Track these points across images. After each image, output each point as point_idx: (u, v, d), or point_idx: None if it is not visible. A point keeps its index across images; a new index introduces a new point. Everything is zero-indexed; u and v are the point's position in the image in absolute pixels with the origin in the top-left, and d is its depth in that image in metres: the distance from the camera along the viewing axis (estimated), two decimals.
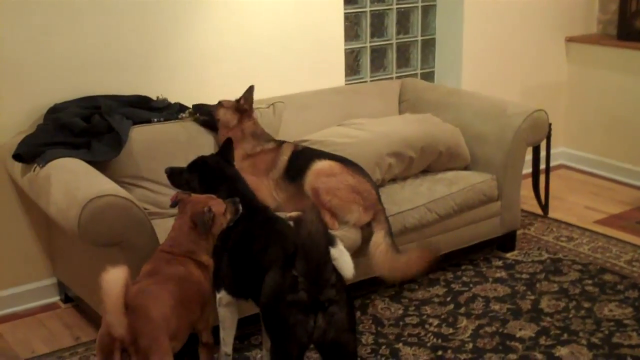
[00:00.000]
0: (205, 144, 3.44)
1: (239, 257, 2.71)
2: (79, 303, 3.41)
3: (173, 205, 2.70)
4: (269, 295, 2.44)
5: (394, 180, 3.69)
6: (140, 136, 3.33)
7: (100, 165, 3.10)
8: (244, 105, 3.47)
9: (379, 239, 3.21)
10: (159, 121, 3.44)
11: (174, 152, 3.35)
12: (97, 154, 3.13)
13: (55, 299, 3.57)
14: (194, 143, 3.42)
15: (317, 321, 2.33)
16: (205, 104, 3.52)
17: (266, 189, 3.34)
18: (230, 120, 3.44)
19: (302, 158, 3.37)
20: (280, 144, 3.47)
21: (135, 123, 3.37)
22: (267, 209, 2.92)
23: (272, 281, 2.43)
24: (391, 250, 3.19)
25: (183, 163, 3.12)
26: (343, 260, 2.57)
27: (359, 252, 3.21)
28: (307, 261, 2.28)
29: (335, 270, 2.40)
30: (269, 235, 2.69)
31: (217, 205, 2.65)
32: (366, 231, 3.28)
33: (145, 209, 2.91)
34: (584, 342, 3.10)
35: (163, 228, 2.96)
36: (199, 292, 2.59)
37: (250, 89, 3.46)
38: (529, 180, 4.32)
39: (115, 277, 2.11)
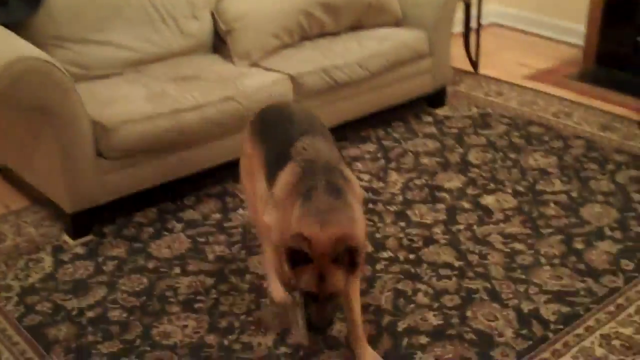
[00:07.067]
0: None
1: None
2: (7, 173, 3.35)
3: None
4: None
5: (322, 36, 3.64)
6: None
7: (16, 26, 2.93)
8: None
9: None
10: None
11: (100, 8, 3.19)
12: (11, 14, 2.97)
13: None
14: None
15: None
16: None
17: None
18: None
19: None
20: None
21: None
22: None
23: None
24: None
25: (110, 24, 3.01)
26: None
27: None
28: None
29: None
30: None
31: None
32: None
33: (68, 71, 2.81)
34: (509, 190, 3.21)
35: (88, 92, 2.91)
36: None
37: None
38: (461, 39, 4.31)
39: None
